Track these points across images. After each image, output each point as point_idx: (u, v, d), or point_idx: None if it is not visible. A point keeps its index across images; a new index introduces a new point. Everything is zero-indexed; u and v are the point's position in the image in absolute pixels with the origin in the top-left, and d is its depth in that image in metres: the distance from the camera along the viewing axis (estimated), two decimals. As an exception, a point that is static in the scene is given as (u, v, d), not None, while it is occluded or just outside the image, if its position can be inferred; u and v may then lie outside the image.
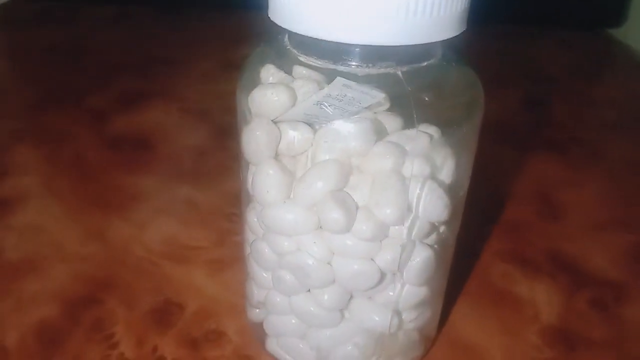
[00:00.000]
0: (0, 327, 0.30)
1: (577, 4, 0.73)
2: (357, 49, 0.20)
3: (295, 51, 0.22)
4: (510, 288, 0.34)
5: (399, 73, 0.21)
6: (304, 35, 0.20)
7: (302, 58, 0.22)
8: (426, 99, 0.22)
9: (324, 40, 0.20)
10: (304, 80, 0.23)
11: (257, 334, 0.29)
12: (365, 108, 0.21)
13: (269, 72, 0.24)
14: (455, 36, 0.21)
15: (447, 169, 0.23)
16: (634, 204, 0.43)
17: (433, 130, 0.23)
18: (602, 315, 0.32)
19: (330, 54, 0.21)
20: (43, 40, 0.68)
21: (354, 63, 0.21)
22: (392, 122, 0.23)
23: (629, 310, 0.33)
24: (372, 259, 0.23)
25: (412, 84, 0.21)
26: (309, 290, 0.24)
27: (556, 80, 0.64)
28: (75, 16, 0.76)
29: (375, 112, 0.22)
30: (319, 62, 0.21)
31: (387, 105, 0.22)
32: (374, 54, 0.20)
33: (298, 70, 0.23)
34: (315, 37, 0.20)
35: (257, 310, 0.28)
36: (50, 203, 0.40)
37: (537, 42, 0.74)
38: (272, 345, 0.27)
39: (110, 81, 0.58)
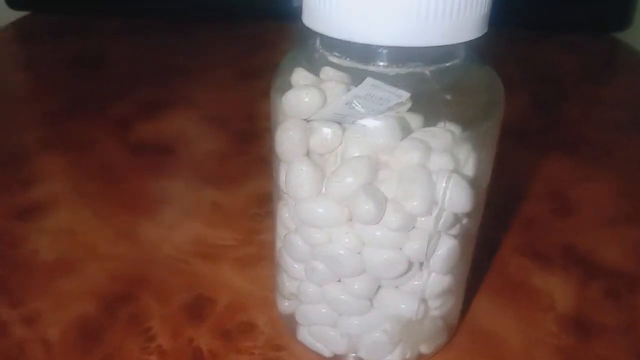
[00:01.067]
0: (42, 324, 0.31)
1: (583, 9, 0.75)
2: (386, 51, 0.22)
3: (327, 54, 0.24)
4: (526, 280, 0.35)
5: (427, 72, 0.22)
6: (336, 39, 0.22)
7: (335, 60, 0.23)
8: (449, 97, 0.23)
9: (357, 43, 0.21)
10: (334, 82, 0.24)
11: (288, 324, 0.30)
12: (392, 107, 0.23)
13: (300, 75, 0.25)
14: (477, 38, 0.22)
15: (470, 164, 0.25)
16: (643, 200, 0.44)
17: (455, 126, 0.24)
18: (616, 304, 0.33)
19: (362, 56, 0.23)
20: (60, 52, 0.70)
21: (383, 63, 0.22)
22: (415, 120, 0.24)
23: (641, 299, 0.34)
24: (400, 249, 0.24)
25: (438, 83, 0.22)
26: (339, 280, 0.26)
27: (564, 82, 0.65)
28: (88, 29, 0.78)
29: (397, 112, 0.24)
30: (351, 63, 0.23)
31: (409, 104, 0.24)
32: (403, 55, 0.22)
33: (326, 72, 0.25)
34: (348, 39, 0.21)
35: (288, 301, 0.29)
36: (80, 207, 0.41)
37: (544, 45, 0.75)
38: (303, 334, 0.29)
39: (130, 90, 0.60)
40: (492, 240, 0.38)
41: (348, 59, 0.23)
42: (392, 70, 0.22)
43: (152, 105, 0.57)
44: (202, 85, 0.62)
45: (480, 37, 0.22)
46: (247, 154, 0.48)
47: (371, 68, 0.22)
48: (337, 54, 0.23)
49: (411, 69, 0.22)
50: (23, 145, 0.49)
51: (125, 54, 0.71)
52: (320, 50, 0.24)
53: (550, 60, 0.71)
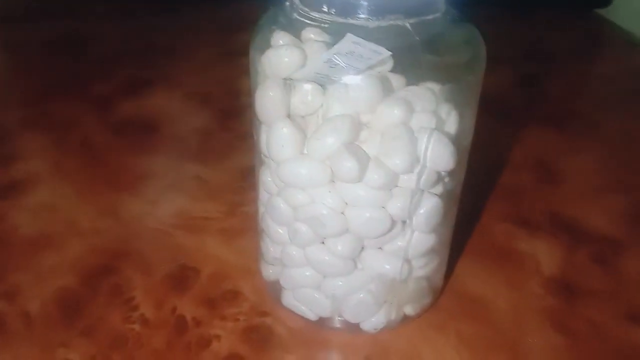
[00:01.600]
0: (22, 297, 0.31)
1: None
2: (367, 3, 0.22)
3: (307, 10, 0.23)
4: (512, 245, 0.35)
5: (407, 25, 0.22)
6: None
7: (316, 14, 0.23)
8: (430, 53, 0.23)
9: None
10: (313, 41, 0.24)
11: (272, 291, 0.30)
12: (373, 65, 0.22)
13: (279, 36, 0.25)
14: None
15: (451, 121, 0.25)
16: (628, 169, 0.44)
17: (436, 84, 0.24)
18: (601, 268, 0.34)
19: (342, 9, 0.22)
20: (41, 34, 0.69)
21: (364, 16, 0.22)
22: (397, 80, 0.24)
23: (626, 263, 0.34)
24: (383, 207, 0.24)
25: (419, 36, 0.22)
26: (323, 242, 0.26)
27: (549, 58, 0.65)
28: (70, 11, 0.76)
29: (379, 72, 0.24)
30: (332, 17, 0.23)
31: (391, 64, 0.23)
32: (383, 7, 0.22)
33: (306, 33, 0.24)
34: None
35: (272, 267, 0.29)
36: (61, 184, 0.41)
37: (527, 23, 0.75)
38: (288, 298, 0.28)
39: (112, 70, 0.59)
40: (478, 207, 0.38)
41: (329, 12, 0.23)
42: (373, 23, 0.22)
43: (135, 84, 0.56)
44: (185, 64, 0.61)
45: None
46: (230, 131, 0.48)
47: (352, 21, 0.22)
48: (318, 8, 0.23)
49: (392, 22, 0.22)
50: (3, 124, 0.49)
51: (108, 35, 0.70)
52: (300, 7, 0.24)
53: (534, 37, 0.71)
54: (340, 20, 0.22)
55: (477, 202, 0.38)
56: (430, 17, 0.23)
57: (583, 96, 0.57)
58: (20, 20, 0.73)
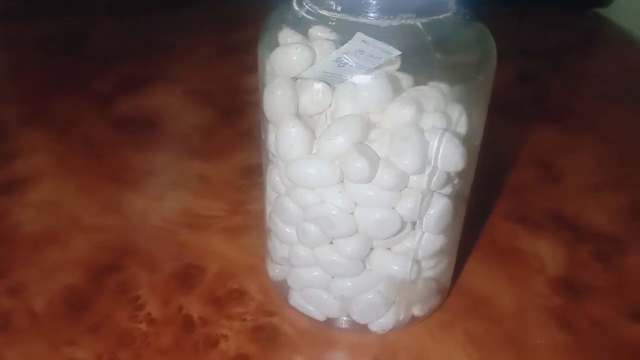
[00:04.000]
0: (28, 294, 0.31)
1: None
2: (378, 1, 0.22)
3: (316, 7, 0.23)
4: (516, 244, 0.35)
5: (419, 24, 0.22)
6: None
7: (325, 12, 0.23)
8: (441, 53, 0.23)
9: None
10: (322, 39, 0.24)
11: (279, 290, 0.30)
12: (382, 64, 0.22)
13: (287, 34, 0.25)
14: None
15: (462, 122, 0.25)
16: (628, 167, 0.44)
17: (447, 84, 0.24)
18: (604, 266, 0.34)
19: (352, 7, 0.22)
20: (41, 31, 0.69)
21: (375, 15, 0.22)
22: (406, 79, 0.24)
23: (628, 260, 0.34)
24: (393, 208, 0.24)
25: (430, 35, 0.22)
26: (332, 242, 0.25)
27: (548, 57, 0.65)
28: (67, 8, 0.76)
29: (387, 71, 0.23)
30: (342, 16, 0.23)
31: (399, 63, 0.23)
32: (394, 6, 0.22)
33: (314, 31, 0.24)
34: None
35: (279, 267, 0.29)
36: (64, 181, 0.40)
37: (527, 22, 0.75)
38: (295, 298, 0.28)
39: (112, 67, 0.58)
40: (482, 206, 0.38)
41: (339, 11, 0.23)
42: (384, 22, 0.22)
43: (135, 81, 0.55)
44: (186, 61, 0.61)
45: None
46: (231, 127, 0.48)
47: (363, 20, 0.22)
48: (328, 6, 0.23)
49: (403, 21, 0.22)
50: (4, 121, 0.48)
51: (107, 32, 0.69)
52: (309, 5, 0.24)
53: (535, 36, 0.71)
54: (350, 19, 0.22)
55: (481, 201, 0.38)
56: (441, 16, 0.23)
57: (582, 94, 0.57)
58: (20, 17, 0.73)
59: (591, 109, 0.54)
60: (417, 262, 0.26)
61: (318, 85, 0.23)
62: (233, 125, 0.48)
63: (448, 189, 0.25)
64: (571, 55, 0.66)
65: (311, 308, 0.28)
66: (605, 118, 0.52)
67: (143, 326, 0.29)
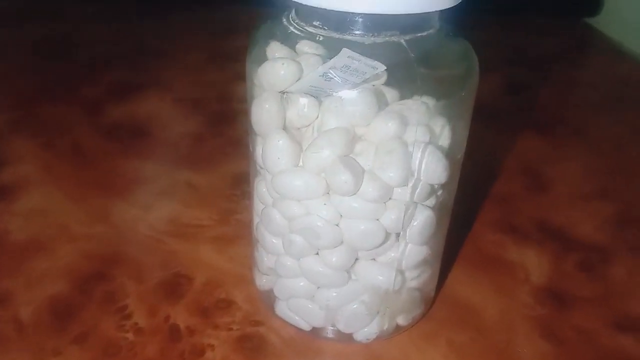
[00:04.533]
0: (14, 303, 0.31)
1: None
2: (362, 19, 0.22)
3: (303, 24, 0.24)
4: (501, 254, 0.35)
5: (402, 42, 0.22)
6: (313, 8, 0.22)
7: (311, 29, 0.23)
8: (424, 68, 0.23)
9: (333, 11, 0.21)
10: (309, 54, 0.24)
11: (266, 300, 0.30)
12: (368, 79, 0.23)
13: (275, 48, 0.25)
14: (451, 9, 0.22)
15: (445, 135, 0.25)
16: (615, 176, 0.45)
17: (431, 98, 0.24)
18: (589, 276, 0.34)
19: (338, 25, 0.22)
20: (29, 36, 0.68)
21: (360, 32, 0.22)
22: (391, 93, 0.24)
23: (614, 270, 0.35)
24: (377, 220, 0.25)
25: (414, 52, 0.22)
26: (317, 253, 0.26)
27: (537, 66, 0.66)
28: (57, 13, 0.76)
29: (373, 85, 0.24)
30: (328, 33, 0.23)
31: (384, 78, 0.24)
32: (379, 23, 0.22)
33: (301, 46, 0.25)
34: (325, 7, 0.21)
35: (266, 277, 0.29)
36: (51, 189, 0.41)
37: (516, 31, 0.76)
38: (282, 308, 0.29)
39: (101, 73, 0.59)
40: (467, 216, 0.38)
41: (325, 28, 0.23)
42: (368, 39, 0.22)
43: (125, 88, 0.56)
44: (176, 68, 0.61)
45: (454, 9, 0.23)
46: (221, 136, 0.48)
47: (348, 37, 0.22)
48: (314, 24, 0.23)
49: (387, 38, 0.22)
50: (-8, 128, 0.48)
51: (97, 37, 0.69)
52: (296, 21, 0.24)
53: (523, 45, 0.72)
54: (336, 35, 0.23)
55: (467, 210, 0.39)
56: (424, 33, 0.23)
57: (571, 103, 0.58)
58: (9, 22, 0.73)
59: (580, 118, 0.54)
60: (401, 272, 0.26)
61: (304, 100, 0.24)
62: (223, 133, 0.48)
63: (431, 201, 0.26)
64: (560, 65, 0.67)
65: (297, 318, 0.28)
66: (594, 127, 0.53)
67: (130, 336, 0.29)
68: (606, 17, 0.76)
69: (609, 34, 0.74)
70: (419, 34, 0.23)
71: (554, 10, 0.78)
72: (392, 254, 0.26)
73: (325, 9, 0.21)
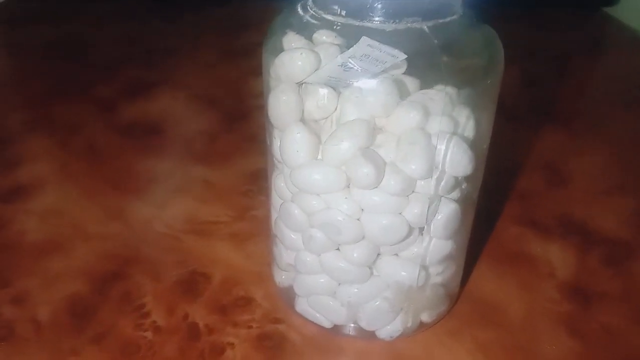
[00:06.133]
0: (31, 303, 0.30)
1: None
2: (382, 4, 0.21)
3: (321, 12, 0.23)
4: (525, 249, 0.35)
5: (425, 28, 0.22)
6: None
7: (330, 17, 0.23)
8: (447, 56, 0.23)
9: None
10: (327, 43, 0.24)
11: (285, 297, 0.30)
12: (388, 68, 0.22)
13: (292, 39, 0.24)
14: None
15: (470, 125, 0.24)
16: (636, 170, 0.44)
17: (454, 88, 0.24)
18: (614, 271, 0.33)
19: (356, 11, 0.22)
20: (43, 37, 0.69)
21: (380, 19, 0.22)
22: (412, 83, 0.24)
23: (638, 265, 0.34)
24: (400, 213, 0.24)
25: (437, 39, 0.21)
26: (338, 248, 0.25)
27: (556, 58, 0.65)
28: (71, 14, 0.76)
29: (394, 75, 0.23)
30: (348, 20, 0.22)
31: (404, 67, 0.23)
32: (400, 9, 0.21)
33: (319, 35, 0.24)
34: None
35: (285, 273, 0.29)
36: (67, 188, 0.40)
37: (534, 22, 0.75)
38: (302, 305, 0.28)
39: (115, 72, 0.58)
40: (490, 211, 0.37)
41: (345, 15, 0.22)
42: (390, 26, 0.22)
43: (139, 86, 0.55)
44: (189, 66, 0.61)
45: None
46: (236, 132, 0.47)
47: (368, 24, 0.22)
48: (333, 11, 0.23)
49: (409, 25, 0.22)
50: (8, 128, 0.48)
51: (110, 37, 0.69)
52: (313, 10, 0.23)
53: (541, 37, 0.71)
54: (356, 23, 0.22)
55: (490, 205, 0.38)
56: (447, 19, 0.22)
57: (590, 96, 0.57)
58: (23, 22, 0.73)
59: (599, 111, 0.53)
60: (424, 268, 0.26)
61: (323, 90, 0.23)
62: (238, 129, 0.48)
63: (456, 194, 0.25)
64: (578, 56, 0.66)
65: (318, 315, 0.28)
66: (613, 121, 0.51)
67: (148, 335, 0.28)
68: (625, 6, 0.75)
69: (629, 23, 0.73)
70: (442, 20, 0.22)
71: (572, 1, 0.77)
72: (416, 249, 0.25)
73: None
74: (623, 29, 0.73)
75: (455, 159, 0.23)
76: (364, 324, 0.27)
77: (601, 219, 0.38)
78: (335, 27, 0.23)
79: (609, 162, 0.45)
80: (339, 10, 0.22)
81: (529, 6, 0.76)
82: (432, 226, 0.24)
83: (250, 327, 0.29)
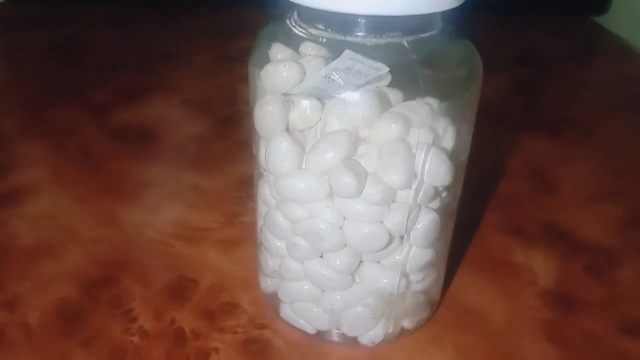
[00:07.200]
0: (22, 307, 0.31)
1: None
2: (365, 20, 0.22)
3: (306, 26, 0.24)
4: (508, 256, 0.35)
5: (405, 42, 0.22)
6: (315, 10, 0.22)
7: (314, 31, 0.23)
8: (428, 69, 0.23)
9: (336, 13, 0.21)
10: (312, 55, 0.24)
11: (271, 303, 0.30)
12: (370, 81, 0.22)
13: (278, 50, 0.25)
14: (454, 9, 0.22)
15: (449, 136, 0.25)
16: (623, 177, 0.44)
17: (434, 100, 0.24)
18: (597, 279, 0.34)
19: (340, 26, 0.22)
20: (39, 40, 0.69)
21: (362, 34, 0.22)
22: (394, 95, 0.24)
23: (622, 273, 0.34)
24: (381, 222, 0.24)
25: (416, 53, 0.22)
26: (321, 256, 0.26)
27: (545, 65, 0.66)
28: (67, 17, 0.77)
29: (377, 86, 0.24)
30: (330, 34, 0.23)
31: (389, 79, 0.24)
32: (381, 24, 0.22)
33: (304, 48, 0.25)
34: (327, 9, 0.21)
35: (270, 280, 0.29)
36: (59, 192, 0.41)
37: (523, 30, 0.75)
38: (286, 311, 0.29)
39: (109, 77, 0.59)
40: (474, 217, 0.38)
41: (327, 30, 0.23)
42: (371, 41, 0.22)
43: (133, 91, 0.56)
44: (183, 71, 0.61)
45: (457, 10, 0.22)
46: (228, 138, 0.48)
47: (350, 39, 0.22)
48: (316, 26, 0.23)
49: (389, 39, 0.22)
50: (1, 131, 0.49)
51: (106, 41, 0.70)
52: (298, 23, 0.24)
53: (531, 44, 0.72)
54: (339, 37, 0.23)
55: (473, 212, 0.38)
56: (427, 34, 0.23)
57: (578, 103, 0.58)
58: (18, 26, 0.73)
59: (588, 118, 0.54)
60: (405, 275, 0.26)
61: (307, 102, 0.24)
62: (229, 136, 0.48)
63: (435, 203, 0.25)
64: (568, 64, 0.67)
65: (302, 321, 0.28)
66: (601, 127, 0.52)
67: (135, 339, 0.29)
68: (614, 15, 0.76)
69: (618, 33, 0.74)
70: (422, 35, 0.23)
71: (561, 9, 0.78)
72: (397, 257, 0.26)
73: (328, 11, 0.21)
74: (612, 37, 0.74)
75: (434, 169, 0.24)
76: (346, 330, 0.27)
77: (586, 226, 0.38)
78: (321, 40, 0.24)
79: (596, 170, 0.46)
80: (323, 26, 0.23)
81: (519, 14, 0.76)
82: (412, 234, 0.25)
83: (235, 332, 0.29)
